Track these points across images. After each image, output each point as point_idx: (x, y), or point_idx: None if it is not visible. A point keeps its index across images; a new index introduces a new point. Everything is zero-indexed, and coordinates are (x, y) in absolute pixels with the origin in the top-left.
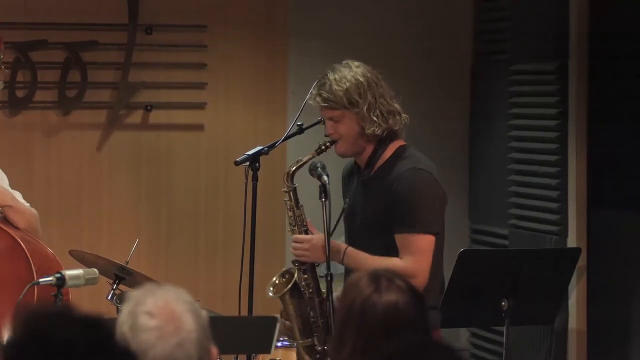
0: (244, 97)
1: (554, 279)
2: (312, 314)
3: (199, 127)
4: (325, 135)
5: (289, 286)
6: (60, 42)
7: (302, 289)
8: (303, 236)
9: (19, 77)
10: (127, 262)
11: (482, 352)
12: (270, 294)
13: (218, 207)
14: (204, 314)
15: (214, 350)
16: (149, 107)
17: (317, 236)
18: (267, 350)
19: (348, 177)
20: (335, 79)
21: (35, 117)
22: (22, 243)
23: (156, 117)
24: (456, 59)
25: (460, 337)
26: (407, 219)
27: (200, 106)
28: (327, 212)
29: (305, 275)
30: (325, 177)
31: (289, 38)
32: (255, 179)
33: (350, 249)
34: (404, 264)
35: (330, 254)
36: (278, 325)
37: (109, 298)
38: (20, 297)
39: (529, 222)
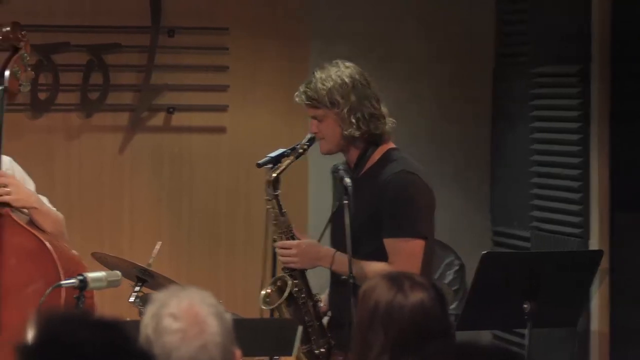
0: (266, 99)
1: (576, 281)
2: (307, 318)
3: (221, 130)
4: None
5: (285, 296)
6: (83, 45)
7: (295, 295)
8: (289, 242)
9: (41, 80)
10: (149, 265)
11: None
12: (264, 306)
13: (239, 210)
14: (229, 316)
15: (238, 352)
16: (171, 110)
17: (304, 241)
18: (288, 352)
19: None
20: (320, 77)
21: (57, 119)
22: (49, 245)
23: (178, 119)
24: (478, 62)
25: (482, 340)
26: (395, 223)
27: (222, 109)
28: (349, 213)
29: (296, 281)
30: (347, 179)
31: (310, 40)
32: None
33: (338, 253)
34: (393, 268)
35: (350, 256)
36: (300, 328)
37: (131, 300)
38: (42, 299)
39: (551, 224)
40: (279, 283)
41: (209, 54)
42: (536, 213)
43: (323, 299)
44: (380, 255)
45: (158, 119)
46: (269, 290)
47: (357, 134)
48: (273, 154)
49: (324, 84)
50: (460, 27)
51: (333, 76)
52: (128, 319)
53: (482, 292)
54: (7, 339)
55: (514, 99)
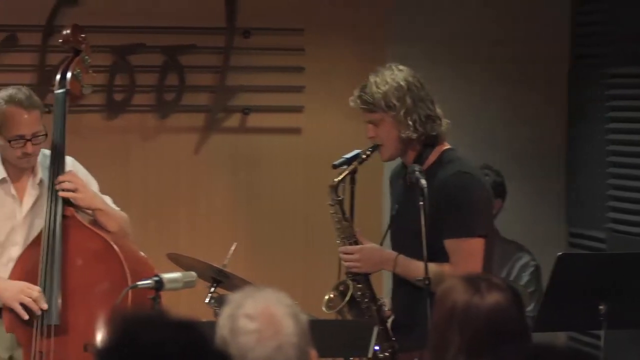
0: (342, 100)
1: None
2: None
3: (297, 131)
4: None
5: (346, 299)
6: (158, 46)
7: (358, 299)
8: (352, 247)
9: (117, 81)
10: (224, 265)
11: None
12: (326, 309)
13: (315, 210)
14: (304, 317)
15: (314, 353)
16: (246, 111)
17: (366, 246)
18: (364, 353)
19: (395, 180)
20: (375, 81)
21: (133, 120)
22: (115, 246)
23: (254, 120)
24: (553, 63)
25: (558, 341)
26: (453, 224)
27: (298, 109)
28: (425, 215)
29: (360, 285)
30: (423, 181)
31: (386, 41)
32: (352, 182)
33: (401, 257)
34: (455, 269)
35: (426, 259)
36: (376, 329)
37: (206, 301)
38: (118, 300)
39: (627, 225)
40: (341, 288)
41: (284, 55)
42: (612, 214)
43: (387, 302)
44: (442, 256)
45: (233, 120)
46: (331, 295)
47: (414, 136)
48: (348, 155)
49: (379, 88)
50: (535, 28)
51: (388, 79)
52: (203, 319)
53: (557, 294)
54: (73, 338)
55: (590, 100)
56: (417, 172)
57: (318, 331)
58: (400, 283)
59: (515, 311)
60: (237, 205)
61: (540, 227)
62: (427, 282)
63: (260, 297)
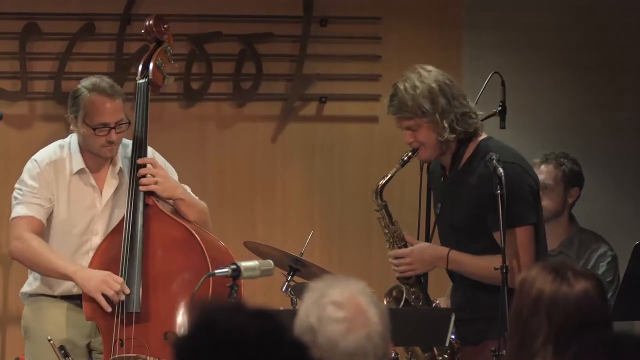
0: None
1: None
2: None
3: (373, 119)
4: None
5: (401, 305)
6: (235, 34)
7: (413, 303)
8: (402, 250)
9: (194, 69)
10: (301, 254)
11: None
12: None
13: (392, 199)
14: (384, 306)
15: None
16: (323, 99)
17: (417, 247)
18: (441, 342)
19: (434, 178)
20: (405, 87)
21: (210, 108)
22: (196, 235)
23: (330, 109)
24: (630, 51)
25: (636, 331)
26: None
27: (375, 98)
28: (503, 204)
29: (413, 289)
30: (500, 170)
31: (463, 30)
32: (429, 171)
33: (452, 252)
34: (510, 260)
35: (504, 246)
36: (453, 318)
37: (283, 290)
38: (196, 288)
39: None
40: (394, 293)
41: (361, 43)
42: None
43: (442, 301)
44: (491, 248)
45: (310, 109)
46: (385, 302)
47: (452, 137)
48: None
49: (409, 94)
50: (612, 15)
51: (417, 83)
52: (280, 308)
53: (634, 283)
54: (154, 326)
55: None
56: (494, 161)
57: (395, 320)
58: (459, 280)
59: (601, 299)
60: (313, 193)
61: (618, 217)
62: (504, 270)
63: (345, 285)
